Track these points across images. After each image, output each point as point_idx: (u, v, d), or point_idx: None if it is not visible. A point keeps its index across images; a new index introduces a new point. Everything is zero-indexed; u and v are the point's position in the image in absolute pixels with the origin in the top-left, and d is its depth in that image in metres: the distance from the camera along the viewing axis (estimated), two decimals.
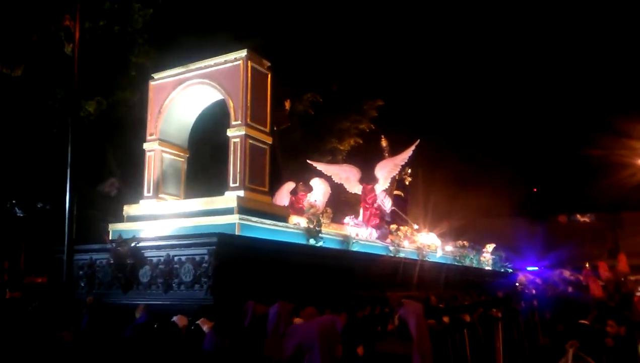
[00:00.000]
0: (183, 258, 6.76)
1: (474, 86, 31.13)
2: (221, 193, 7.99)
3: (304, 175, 14.75)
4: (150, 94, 8.86)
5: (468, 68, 31.38)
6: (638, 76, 28.93)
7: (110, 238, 8.17)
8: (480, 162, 28.40)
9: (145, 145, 8.77)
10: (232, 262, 6.71)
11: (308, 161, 13.26)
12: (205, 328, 5.63)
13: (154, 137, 8.71)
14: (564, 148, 32.02)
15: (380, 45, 23.33)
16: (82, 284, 7.59)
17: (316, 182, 11.42)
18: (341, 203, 15.77)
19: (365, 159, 19.05)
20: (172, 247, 6.87)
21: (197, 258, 6.64)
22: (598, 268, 23.24)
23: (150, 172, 8.62)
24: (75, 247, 7.91)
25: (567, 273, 25.02)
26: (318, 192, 11.21)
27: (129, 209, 8.51)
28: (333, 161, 18.56)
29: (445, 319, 8.10)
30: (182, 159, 9.18)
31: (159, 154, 8.67)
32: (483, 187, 26.90)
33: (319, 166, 12.82)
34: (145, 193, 8.63)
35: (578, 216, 37.63)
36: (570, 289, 19.08)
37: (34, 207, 17.23)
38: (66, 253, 4.78)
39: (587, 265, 26.06)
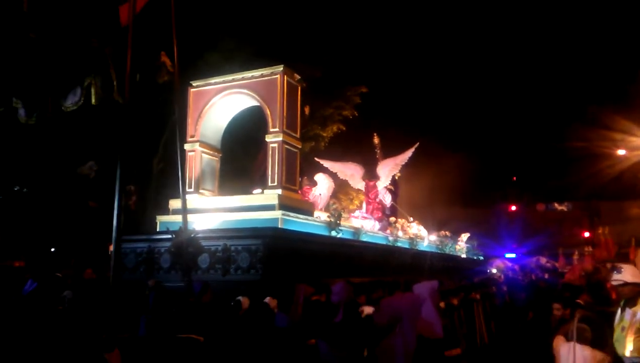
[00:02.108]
0: (239, 247, 9.18)
1: (456, 78, 34.04)
2: (238, 189, 10.25)
3: None
4: (190, 99, 11.16)
5: (450, 60, 34.24)
6: (617, 69, 32.19)
7: (158, 229, 10.60)
8: (461, 152, 31.22)
9: (187, 146, 11.08)
10: (281, 250, 9.18)
11: (316, 158, 15.76)
12: (272, 306, 8.04)
13: (194, 138, 11.05)
14: (544, 138, 35.37)
15: (364, 31, 25.27)
16: (142, 269, 9.92)
17: (320, 177, 13.95)
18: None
19: (347, 146, 21.51)
20: (229, 237, 9.27)
21: (253, 247, 9.08)
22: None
23: (192, 170, 10.97)
24: (135, 236, 10.28)
25: (543, 260, 28.32)
26: (322, 187, 13.73)
27: (174, 203, 10.85)
28: (316, 148, 20.96)
29: (441, 304, 10.71)
30: (217, 158, 11.58)
31: (198, 154, 11.02)
32: (464, 176, 29.86)
33: (326, 163, 15.36)
34: (187, 189, 10.95)
35: (556, 205, 41.56)
36: (546, 275, 22.23)
37: (11, 190, 18.95)
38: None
39: (576, 252, 28.90)
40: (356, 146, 21.48)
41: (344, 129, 22.52)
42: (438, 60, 33.82)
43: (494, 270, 22.68)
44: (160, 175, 16.41)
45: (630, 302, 5.17)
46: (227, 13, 17.10)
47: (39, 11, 6.60)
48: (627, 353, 5.03)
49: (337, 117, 22.36)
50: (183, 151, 7.85)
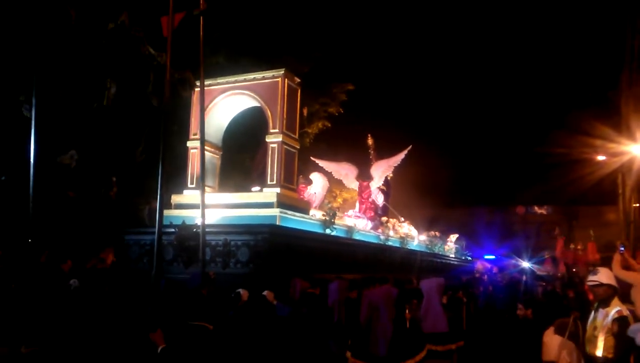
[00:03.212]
0: (239, 242, 9.48)
1: (442, 82, 34.51)
2: (235, 186, 10.56)
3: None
4: (194, 98, 11.42)
5: (435, 65, 34.71)
6: (597, 76, 32.69)
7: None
8: (444, 153, 31.58)
9: (189, 143, 11.36)
10: (279, 246, 9.50)
11: (312, 158, 16.08)
12: (271, 298, 8.38)
13: (197, 136, 11.27)
14: (526, 143, 35.91)
15: (351, 29, 25.15)
16: (145, 260, 10.18)
17: (316, 176, 14.27)
18: None
19: (332, 144, 21.63)
20: (229, 233, 9.57)
21: (252, 243, 9.40)
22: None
23: (193, 167, 11.24)
24: (139, 229, 10.54)
25: (543, 270, 28.71)
26: (317, 185, 14.06)
27: (176, 198, 11.13)
28: (301, 143, 20.98)
29: None
30: (218, 156, 11.86)
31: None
32: (447, 177, 30.25)
33: (321, 163, 15.70)
34: (189, 185, 11.25)
35: (535, 208, 42.22)
36: (524, 277, 22.75)
37: None
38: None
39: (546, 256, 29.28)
40: (341, 143, 21.52)
41: (329, 125, 22.42)
42: (424, 64, 34.32)
43: (475, 271, 23.11)
44: (143, 166, 16.33)
45: (603, 303, 5.33)
46: (213, 5, 17.09)
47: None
48: (599, 353, 5.18)
49: (323, 113, 22.19)
50: (203, 151, 8.18)
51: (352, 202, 19.52)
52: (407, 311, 6.92)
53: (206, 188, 11.37)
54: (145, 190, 12.67)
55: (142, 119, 15.24)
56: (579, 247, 26.38)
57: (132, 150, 16.12)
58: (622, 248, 8.80)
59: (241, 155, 14.40)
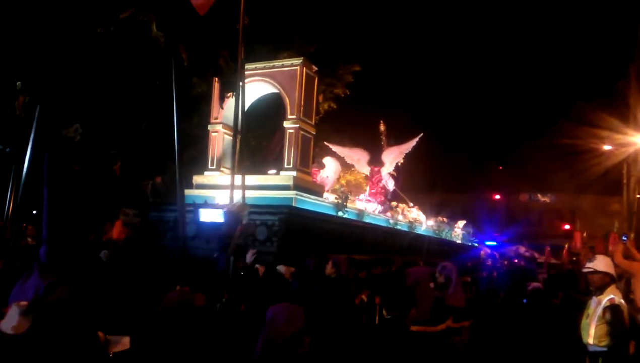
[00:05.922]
0: (258, 221, 9.94)
1: (451, 71, 34.66)
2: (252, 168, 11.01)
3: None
4: (215, 84, 11.84)
5: (444, 54, 34.85)
6: (606, 66, 32.75)
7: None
8: (448, 139, 31.82)
9: (210, 127, 11.80)
10: (295, 226, 9.96)
11: (326, 143, 16.50)
12: (288, 275, 8.84)
13: (218, 120, 11.75)
14: (532, 131, 36.14)
15: (360, 11, 25.02)
16: (168, 236, 10.66)
17: (328, 160, 14.70)
18: None
19: (338, 126, 21.81)
20: (249, 213, 10.01)
21: (270, 222, 9.86)
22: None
23: (214, 149, 11.70)
24: (163, 206, 11.01)
25: (522, 249, 29.26)
26: (330, 169, 14.49)
27: (197, 179, 11.59)
28: None
29: (431, 284, 11.65)
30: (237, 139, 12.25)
31: (221, 135, 11.74)
32: (450, 163, 30.49)
33: (334, 148, 16.14)
34: (209, 166, 11.71)
35: (539, 196, 42.52)
36: (522, 263, 23.19)
37: None
38: None
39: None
40: (346, 126, 21.79)
41: (335, 107, 22.10)
42: (432, 51, 34.49)
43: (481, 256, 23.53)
44: (148, 142, 16.51)
45: (598, 291, 5.28)
46: None
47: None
48: (590, 341, 5.17)
49: (329, 94, 21.72)
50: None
51: (355, 184, 19.94)
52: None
53: (226, 170, 11.91)
54: (150, 166, 13.08)
55: (147, 95, 15.50)
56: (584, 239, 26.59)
57: (136, 126, 16.42)
58: (625, 238, 9.00)
59: (258, 139, 14.78)
